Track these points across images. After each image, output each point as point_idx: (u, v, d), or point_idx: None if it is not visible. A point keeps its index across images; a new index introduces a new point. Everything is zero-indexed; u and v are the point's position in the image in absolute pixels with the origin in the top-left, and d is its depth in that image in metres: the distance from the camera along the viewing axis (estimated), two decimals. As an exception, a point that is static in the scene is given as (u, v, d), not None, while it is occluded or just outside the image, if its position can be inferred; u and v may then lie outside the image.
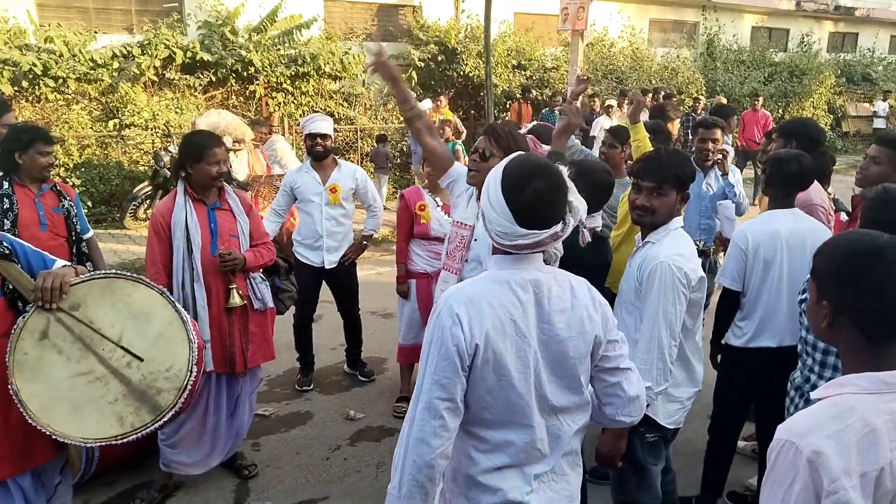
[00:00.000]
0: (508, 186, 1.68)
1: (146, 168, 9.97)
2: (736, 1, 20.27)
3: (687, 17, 20.25)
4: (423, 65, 13.62)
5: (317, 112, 10.71)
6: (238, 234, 3.53)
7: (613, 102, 11.92)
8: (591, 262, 2.12)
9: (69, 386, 2.32)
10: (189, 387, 2.48)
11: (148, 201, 9.28)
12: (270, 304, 3.71)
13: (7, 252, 2.29)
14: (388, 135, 12.07)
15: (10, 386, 2.24)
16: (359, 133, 12.46)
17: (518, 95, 13.12)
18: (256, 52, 11.28)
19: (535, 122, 5.94)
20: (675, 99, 13.71)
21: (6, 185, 3.67)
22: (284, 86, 11.73)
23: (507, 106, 13.54)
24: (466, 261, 2.97)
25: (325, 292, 4.96)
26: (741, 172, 5.84)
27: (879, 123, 17.75)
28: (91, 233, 4.06)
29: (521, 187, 1.66)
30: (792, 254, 3.10)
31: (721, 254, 4.67)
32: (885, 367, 1.37)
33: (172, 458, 3.55)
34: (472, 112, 14.04)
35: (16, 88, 9.55)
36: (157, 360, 2.46)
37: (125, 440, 2.36)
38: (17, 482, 2.37)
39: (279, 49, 11.79)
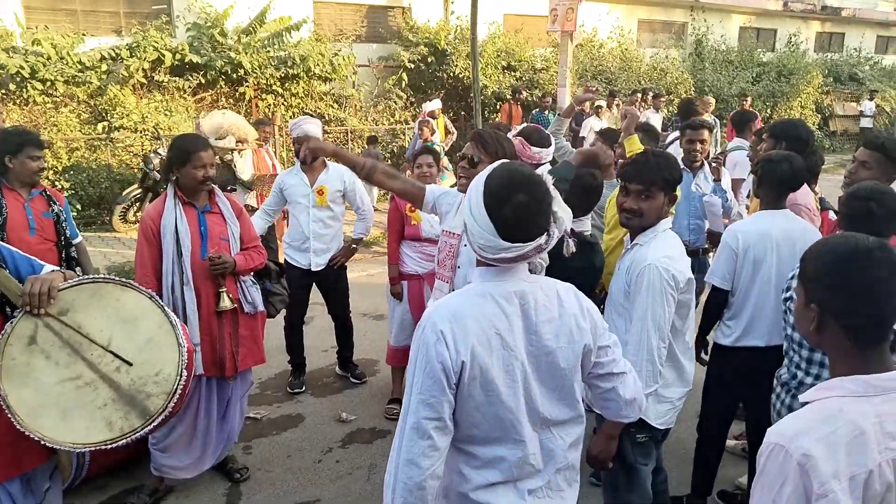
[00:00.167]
0: (490, 199, 1.63)
1: (136, 171, 9.92)
2: (724, 1, 20.40)
3: (675, 17, 20.35)
4: (412, 66, 13.61)
5: (307, 114, 10.71)
6: (228, 237, 3.52)
7: (603, 103, 11.96)
8: (579, 265, 2.12)
9: (58, 391, 2.31)
10: (179, 391, 2.47)
11: (137, 204, 9.24)
12: (261, 307, 3.71)
13: (-6, 257, 2.28)
14: (378, 136, 12.06)
15: (-2, 392, 2.22)
16: (349, 135, 12.45)
17: (508, 96, 13.14)
18: (246, 54, 11.25)
19: (524, 124, 5.96)
20: (663, 98, 13.78)
21: None
22: (274, 88, 11.71)
23: (498, 107, 13.56)
24: (459, 267, 2.98)
25: (317, 294, 4.96)
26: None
27: (866, 123, 17.90)
28: (80, 238, 4.04)
29: (503, 200, 1.62)
30: (781, 254, 3.12)
31: (711, 253, 4.70)
32: (873, 370, 1.38)
33: (163, 462, 3.54)
34: (463, 113, 14.04)
35: (3, 91, 9.50)
36: (146, 365, 2.45)
37: (115, 445, 2.36)
38: (5, 488, 2.36)
39: (268, 51, 11.76)
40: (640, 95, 12.96)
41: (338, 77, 12.45)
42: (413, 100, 13.57)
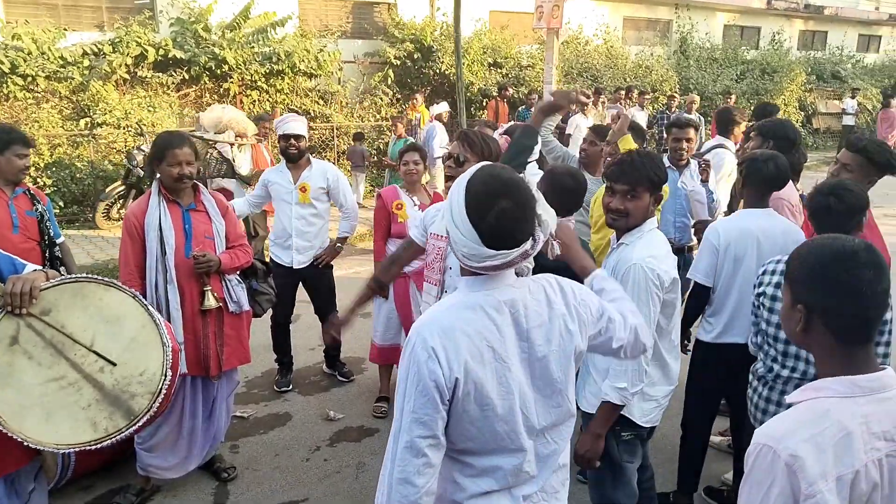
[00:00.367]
0: (473, 207, 1.57)
1: (119, 168, 9.83)
2: (708, -1, 20.56)
3: (660, 14, 20.45)
4: (398, 63, 13.59)
5: (292, 111, 10.66)
6: (213, 235, 3.49)
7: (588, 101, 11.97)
8: (565, 266, 2.11)
9: (41, 392, 2.29)
10: (164, 391, 2.45)
11: (121, 201, 9.17)
12: (246, 306, 3.68)
13: (-25, 257, 2.25)
14: (364, 133, 12.03)
15: (-21, 393, 2.19)
16: (335, 131, 12.40)
17: (494, 93, 13.15)
18: (230, 49, 11.18)
19: (511, 123, 5.97)
20: (648, 96, 13.83)
21: None
22: (259, 84, 11.65)
23: (484, 104, 13.56)
24: (450, 268, 2.98)
25: (303, 292, 4.94)
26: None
27: (848, 120, 18.09)
28: (62, 238, 4.01)
29: (485, 208, 1.55)
30: (762, 252, 3.14)
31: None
32: (859, 370, 1.39)
33: (149, 461, 3.52)
34: (449, 110, 14.03)
35: (-17, 87, 9.38)
36: (130, 365, 2.43)
37: (100, 446, 2.33)
38: (-11, 490, 2.34)
39: (253, 46, 11.69)
40: (623, 93, 13.01)
41: (323, 73, 12.40)
42: (399, 96, 13.55)
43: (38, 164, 9.43)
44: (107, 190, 9.23)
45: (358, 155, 11.14)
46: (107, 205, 9.16)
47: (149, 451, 3.50)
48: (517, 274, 1.70)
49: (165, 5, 11.81)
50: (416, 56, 13.82)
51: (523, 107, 12.39)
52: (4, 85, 9.50)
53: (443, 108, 11.00)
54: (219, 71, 11.15)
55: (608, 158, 4.51)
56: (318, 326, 5.13)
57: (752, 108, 17.79)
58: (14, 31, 9.87)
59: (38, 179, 9.16)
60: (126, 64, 10.50)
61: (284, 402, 4.75)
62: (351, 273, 7.47)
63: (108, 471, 3.78)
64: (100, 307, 2.43)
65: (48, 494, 2.74)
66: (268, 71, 11.60)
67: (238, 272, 3.66)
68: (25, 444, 2.22)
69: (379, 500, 1.63)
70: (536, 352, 1.68)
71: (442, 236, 3.02)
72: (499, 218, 1.55)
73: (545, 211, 1.63)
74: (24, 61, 9.55)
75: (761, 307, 2.83)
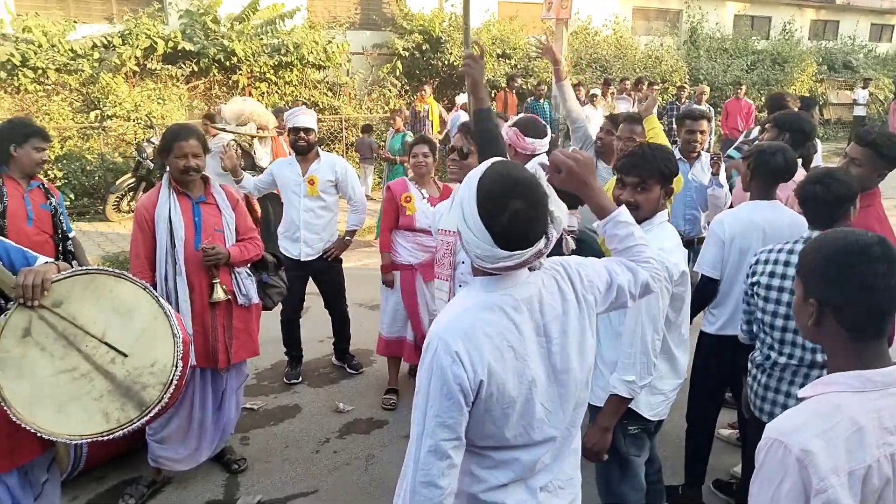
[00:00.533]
0: (485, 208, 1.54)
1: (129, 160, 9.87)
2: (719, -11, 20.38)
3: (670, 4, 20.30)
4: (407, 54, 13.55)
5: (302, 103, 10.65)
6: (223, 228, 3.50)
7: (598, 91, 11.92)
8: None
9: (53, 383, 2.31)
10: (175, 382, 2.46)
11: (131, 194, 9.20)
12: (255, 299, 3.68)
13: (-12, 249, 2.27)
14: (373, 125, 12.02)
15: (-7, 385, 2.22)
16: (343, 123, 12.40)
17: (503, 85, 13.10)
18: (239, 41, 11.18)
19: (520, 115, 5.93)
20: (657, 86, 13.74)
21: None
22: (268, 76, 11.65)
23: (493, 95, 13.51)
24: (463, 262, 2.96)
25: (312, 285, 4.95)
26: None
27: (860, 111, 17.93)
28: (73, 233, 4.04)
29: (498, 209, 1.53)
30: (768, 245, 3.12)
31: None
32: (871, 365, 1.38)
33: (160, 453, 3.54)
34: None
35: (-6, 79, 9.43)
36: (141, 356, 2.44)
37: (111, 436, 2.35)
38: (3, 480, 2.36)
39: (262, 38, 11.69)
40: (629, 83, 12.88)
41: (332, 65, 12.39)
42: (407, 88, 13.52)
43: (49, 156, 9.45)
44: (117, 182, 9.27)
45: (366, 147, 11.13)
46: (117, 197, 9.20)
47: (160, 443, 3.52)
48: (529, 269, 1.68)
49: (174, -3, 11.83)
50: (424, 47, 13.77)
51: (532, 98, 12.33)
52: (15, 77, 9.54)
53: (464, 98, 11.05)
54: (228, 63, 11.16)
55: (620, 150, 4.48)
56: (327, 319, 5.15)
57: (762, 98, 17.75)
58: (24, 24, 9.90)
59: (49, 172, 9.21)
60: (135, 56, 10.53)
61: (294, 395, 4.77)
62: (360, 265, 7.49)
63: (120, 462, 3.81)
64: (111, 299, 2.45)
65: (61, 485, 2.76)
66: (276, 63, 11.61)
67: (248, 265, 3.68)
68: (38, 434, 2.25)
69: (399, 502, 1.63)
70: (554, 345, 1.67)
71: (450, 231, 3.01)
72: (512, 220, 1.52)
73: (557, 207, 1.61)
74: (35, 54, 9.59)
75: (755, 296, 2.83)
